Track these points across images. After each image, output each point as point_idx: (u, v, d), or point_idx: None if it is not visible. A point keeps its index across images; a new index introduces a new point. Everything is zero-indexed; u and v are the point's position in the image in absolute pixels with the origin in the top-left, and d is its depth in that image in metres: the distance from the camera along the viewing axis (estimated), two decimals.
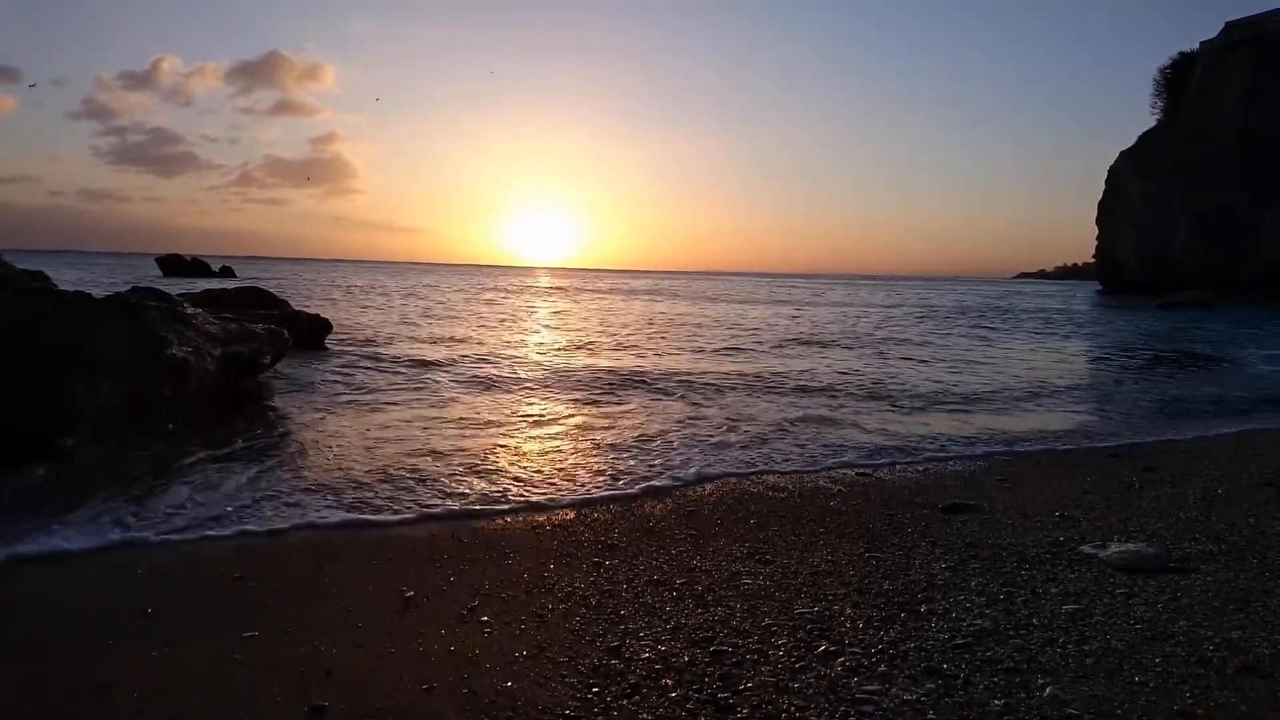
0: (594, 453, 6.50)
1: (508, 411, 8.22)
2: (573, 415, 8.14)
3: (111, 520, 4.40)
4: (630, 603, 3.46)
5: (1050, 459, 6.58)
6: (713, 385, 10.33)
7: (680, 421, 7.75)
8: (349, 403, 8.26)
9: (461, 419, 7.65)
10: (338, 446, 6.34)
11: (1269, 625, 3.16)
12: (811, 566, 3.91)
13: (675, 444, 6.76)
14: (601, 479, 5.68)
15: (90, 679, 2.77)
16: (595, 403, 8.89)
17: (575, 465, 6.07)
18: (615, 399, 9.12)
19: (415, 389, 9.31)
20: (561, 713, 2.54)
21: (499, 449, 6.51)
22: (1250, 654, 2.91)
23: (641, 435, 7.11)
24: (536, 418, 7.94)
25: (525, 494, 5.25)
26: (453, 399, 8.74)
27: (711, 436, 7.07)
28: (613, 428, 7.51)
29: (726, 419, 7.88)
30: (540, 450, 6.55)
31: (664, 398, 9.29)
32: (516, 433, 7.25)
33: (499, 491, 5.27)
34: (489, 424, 7.54)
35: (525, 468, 5.93)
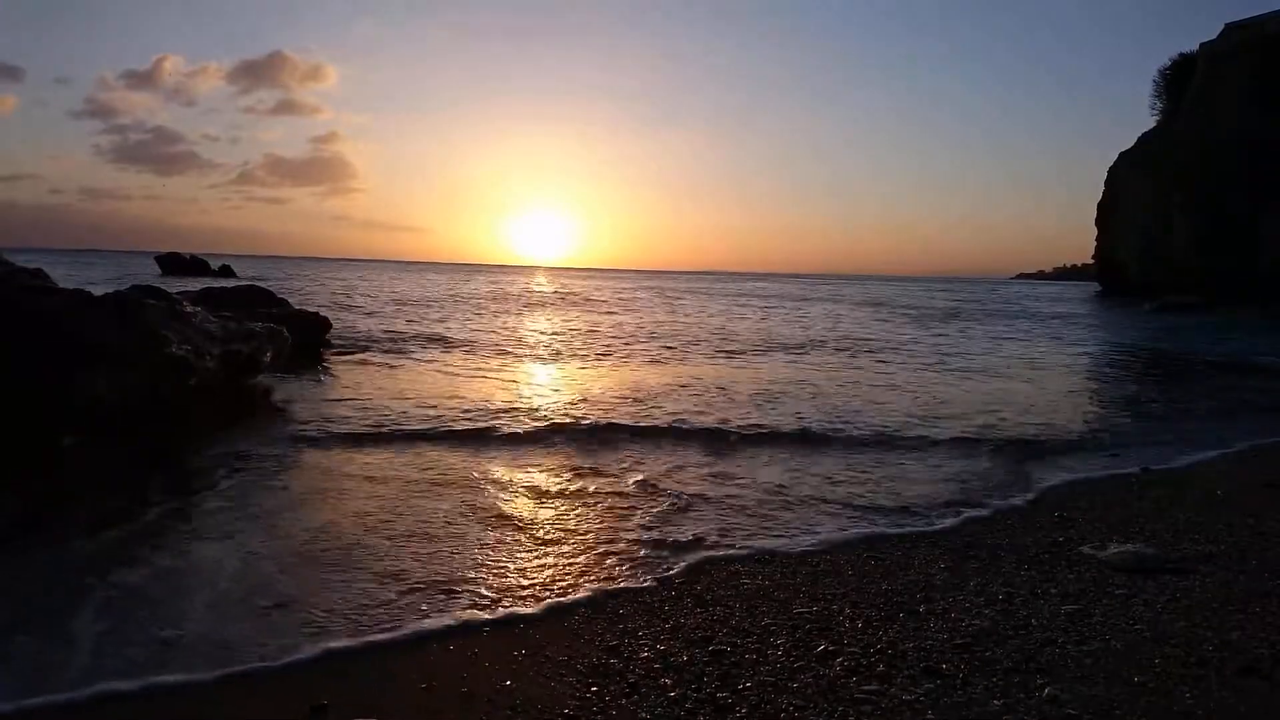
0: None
1: (507, 461, 6.19)
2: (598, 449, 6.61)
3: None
4: (629, 602, 3.46)
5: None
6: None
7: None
8: (345, 418, 7.35)
9: (460, 451, 6.38)
10: (324, 491, 5.19)
11: (1268, 626, 3.16)
12: (810, 566, 3.91)
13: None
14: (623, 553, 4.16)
15: None
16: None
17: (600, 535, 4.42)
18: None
19: (415, 401, 8.31)
20: (561, 712, 2.54)
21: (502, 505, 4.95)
22: (1250, 655, 2.91)
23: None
24: (547, 445, 6.69)
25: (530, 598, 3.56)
26: (455, 420, 7.48)
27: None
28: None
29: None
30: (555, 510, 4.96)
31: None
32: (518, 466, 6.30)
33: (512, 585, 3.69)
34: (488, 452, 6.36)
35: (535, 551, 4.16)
